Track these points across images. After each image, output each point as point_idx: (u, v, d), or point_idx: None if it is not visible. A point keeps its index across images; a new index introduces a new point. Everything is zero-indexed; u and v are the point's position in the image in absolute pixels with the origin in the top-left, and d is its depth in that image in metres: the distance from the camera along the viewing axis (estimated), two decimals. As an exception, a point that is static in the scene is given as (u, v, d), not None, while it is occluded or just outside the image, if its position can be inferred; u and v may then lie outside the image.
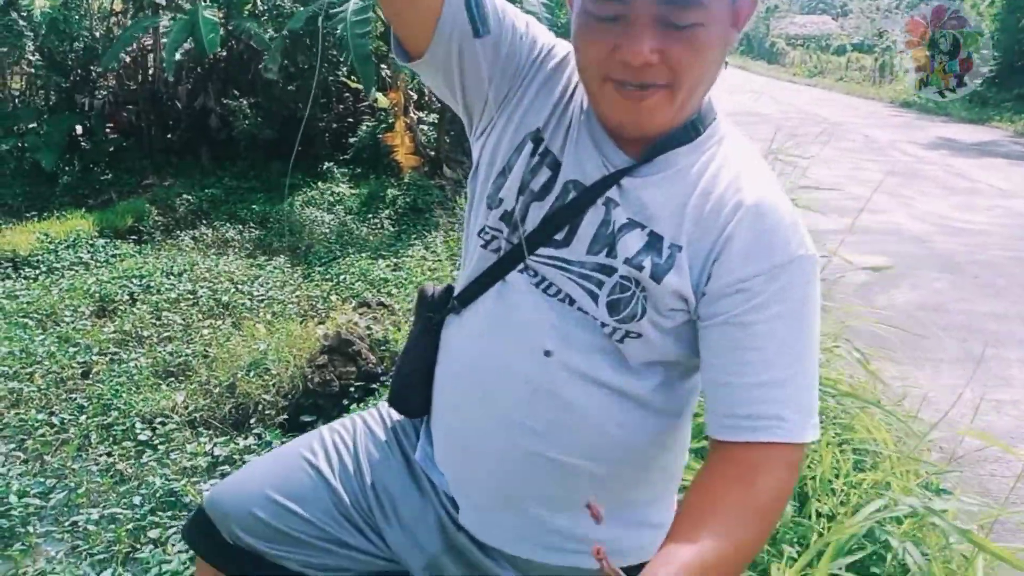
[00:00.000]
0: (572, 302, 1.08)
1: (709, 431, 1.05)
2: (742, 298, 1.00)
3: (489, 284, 1.13)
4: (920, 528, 1.88)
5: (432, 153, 9.65)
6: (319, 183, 9.21)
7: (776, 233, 1.02)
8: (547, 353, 1.07)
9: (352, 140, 9.94)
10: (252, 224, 7.99)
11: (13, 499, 3.49)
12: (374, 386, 4.53)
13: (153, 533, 3.22)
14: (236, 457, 3.88)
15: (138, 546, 3.17)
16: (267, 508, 1.25)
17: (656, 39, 0.97)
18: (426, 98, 10.34)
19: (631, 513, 1.19)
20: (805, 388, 1.00)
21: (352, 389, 4.56)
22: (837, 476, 2.01)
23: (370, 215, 8.38)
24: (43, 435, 4.06)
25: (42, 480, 3.70)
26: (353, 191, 9.03)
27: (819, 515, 1.94)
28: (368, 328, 5.17)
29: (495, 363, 1.13)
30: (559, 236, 1.09)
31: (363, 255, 7.16)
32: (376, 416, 1.39)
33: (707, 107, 1.10)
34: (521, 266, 1.12)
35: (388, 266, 6.85)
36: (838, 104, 21.83)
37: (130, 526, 3.28)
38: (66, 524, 3.37)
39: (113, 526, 3.31)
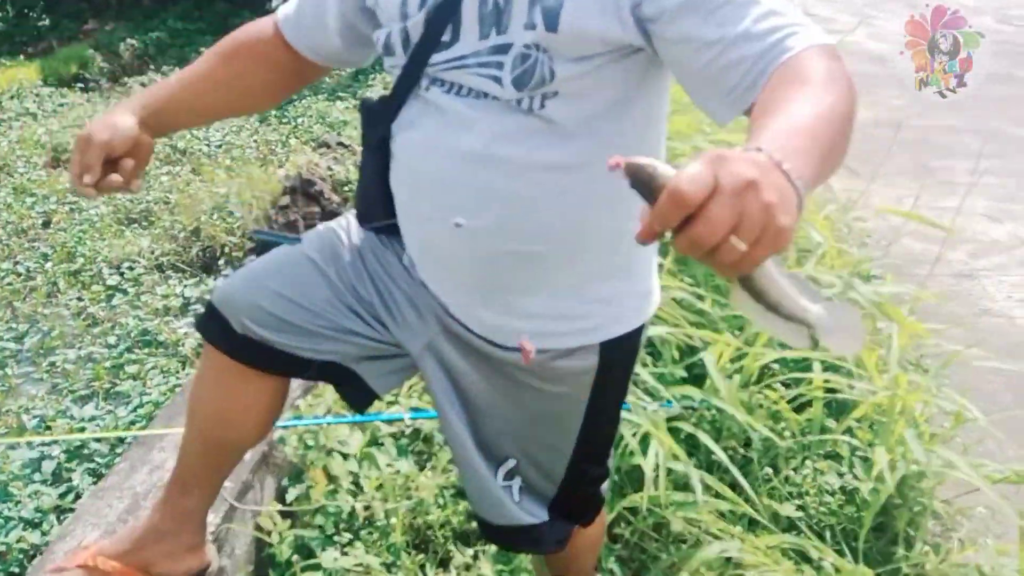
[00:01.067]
0: (483, 95, 1.08)
1: (727, 117, 0.95)
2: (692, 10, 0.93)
3: (411, 102, 1.18)
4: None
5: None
6: (269, 22, 8.77)
7: None
8: (478, 152, 1.09)
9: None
10: (203, 67, 7.68)
11: (-12, 344, 3.54)
12: (338, 225, 4.54)
13: (131, 369, 3.31)
14: (207, 298, 3.92)
15: (117, 382, 3.25)
16: (274, 302, 1.30)
17: None
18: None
19: (608, 286, 1.21)
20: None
21: (316, 229, 4.58)
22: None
23: (325, 54, 8.06)
24: (10, 283, 4.07)
25: (14, 326, 3.75)
26: (306, 29, 8.63)
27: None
28: (329, 169, 5.13)
29: (434, 174, 1.15)
30: (446, 37, 1.09)
31: (320, 96, 6.98)
32: None
33: None
34: (426, 82, 1.15)
35: (347, 107, 6.69)
36: None
37: (108, 364, 3.35)
38: (44, 365, 3.44)
39: (91, 365, 3.38)
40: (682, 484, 1.75)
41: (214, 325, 1.35)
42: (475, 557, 1.72)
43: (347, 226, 1.39)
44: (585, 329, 1.22)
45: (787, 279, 0.75)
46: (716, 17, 0.92)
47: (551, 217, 1.12)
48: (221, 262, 4.44)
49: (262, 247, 4.54)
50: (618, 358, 1.27)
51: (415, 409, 2.02)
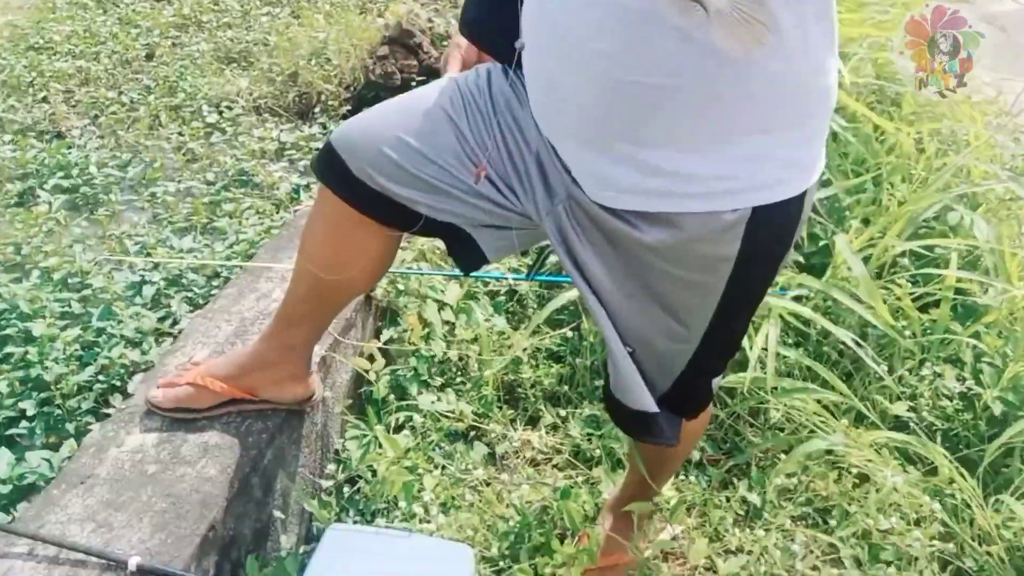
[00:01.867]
0: None
1: None
2: None
3: None
4: (996, 211, 1.84)
5: None
6: None
7: None
8: None
9: None
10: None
11: (93, 169, 3.65)
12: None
13: (228, 207, 3.36)
14: (303, 144, 3.93)
15: (214, 218, 3.31)
16: (399, 149, 1.21)
17: None
18: None
19: (752, 143, 1.02)
20: None
21: (414, 83, 4.47)
22: (916, 161, 1.94)
23: (432, -99, 7.71)
24: (115, 112, 4.14)
25: (118, 154, 3.84)
26: None
27: (892, 197, 1.90)
28: (430, 21, 4.95)
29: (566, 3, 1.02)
30: None
31: (424, -55, 6.70)
32: (500, 70, 1.28)
33: None
34: None
35: (451, -43, 6.42)
36: None
37: (206, 200, 3.41)
38: (145, 195, 3.52)
39: (190, 199, 3.45)
40: (785, 373, 1.68)
41: (331, 167, 1.28)
42: (564, 420, 1.71)
43: (485, 78, 1.26)
44: (719, 192, 1.03)
45: None
46: None
47: (677, 43, 0.95)
48: (317, 110, 4.40)
49: (359, 103, 4.49)
50: (763, 246, 1.09)
51: (514, 270, 1.98)
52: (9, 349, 2.47)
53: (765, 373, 1.54)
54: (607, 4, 0.95)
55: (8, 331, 2.56)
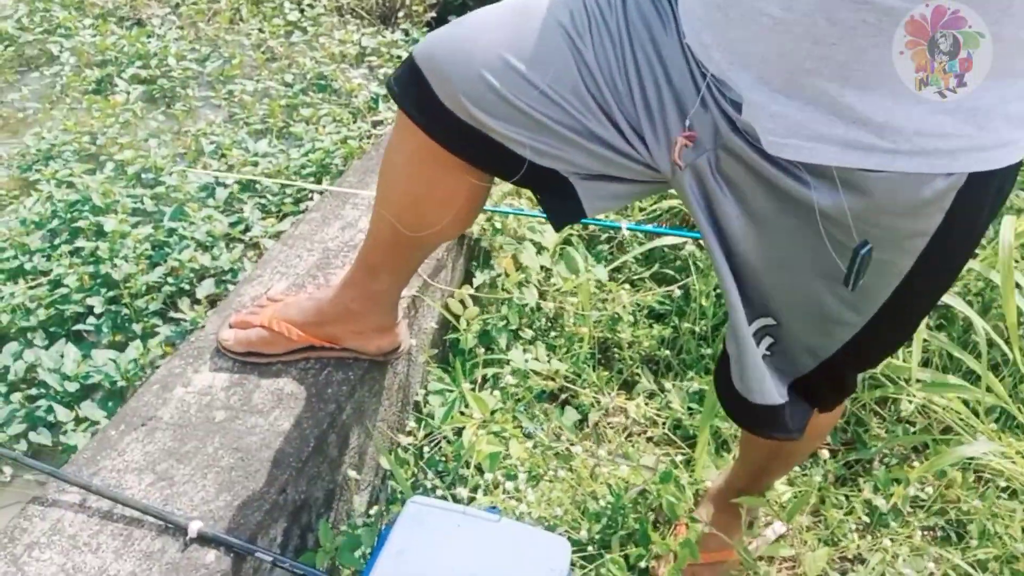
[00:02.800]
0: None
1: None
2: None
3: None
4: None
5: None
6: None
7: None
8: None
9: None
10: None
11: (172, 61, 3.57)
12: None
13: (306, 112, 3.25)
14: (383, 50, 3.77)
15: (291, 123, 3.20)
16: (502, 74, 0.97)
17: None
18: None
19: (975, 93, 0.80)
20: None
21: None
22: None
23: None
24: (196, 3, 4.02)
25: (197, 47, 3.74)
26: None
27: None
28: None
29: None
30: None
31: None
32: None
33: None
34: None
35: None
36: None
37: (283, 102, 3.30)
38: (222, 92, 3.43)
39: (267, 100, 3.35)
40: (922, 362, 1.47)
41: (414, 91, 1.04)
42: (663, 389, 1.54)
43: None
44: (934, 151, 0.82)
45: None
46: None
47: None
48: (401, 14, 4.20)
49: (444, 8, 4.25)
50: (971, 214, 0.87)
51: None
52: (80, 243, 2.45)
53: (904, 360, 1.35)
54: None
55: (80, 223, 2.53)
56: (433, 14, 4.21)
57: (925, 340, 1.46)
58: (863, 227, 0.88)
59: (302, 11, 4.03)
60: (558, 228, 1.15)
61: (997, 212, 0.92)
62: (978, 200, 0.86)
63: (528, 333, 1.53)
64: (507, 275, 1.54)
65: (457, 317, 1.44)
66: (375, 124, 3.21)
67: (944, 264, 0.93)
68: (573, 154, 1.01)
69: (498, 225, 1.64)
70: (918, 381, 1.37)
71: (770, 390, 1.05)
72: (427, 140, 1.06)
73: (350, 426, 1.30)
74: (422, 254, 1.29)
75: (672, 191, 1.11)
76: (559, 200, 1.06)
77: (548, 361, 1.47)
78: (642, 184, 1.06)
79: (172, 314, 2.27)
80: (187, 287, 2.36)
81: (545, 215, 1.13)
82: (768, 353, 1.04)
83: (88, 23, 3.87)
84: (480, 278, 1.55)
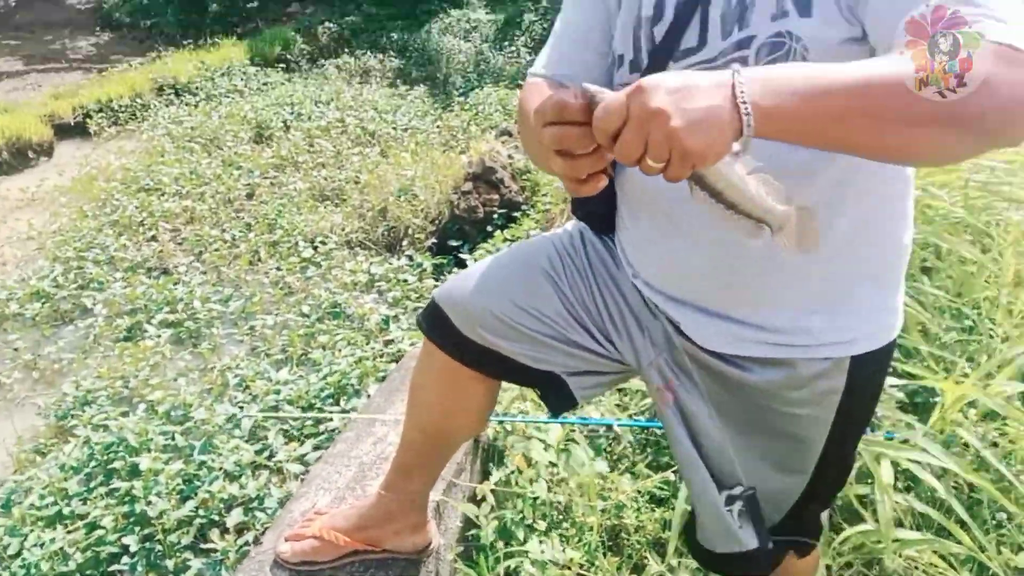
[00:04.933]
0: None
1: None
2: None
3: None
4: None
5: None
6: (455, 10, 9.03)
7: None
8: None
9: (488, -37, 9.61)
10: (392, 53, 8.01)
11: (197, 304, 3.85)
12: (516, 214, 4.61)
13: (323, 339, 3.47)
14: (391, 275, 4.08)
15: (309, 350, 3.43)
16: (507, 309, 1.28)
17: None
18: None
19: (857, 298, 1.11)
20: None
21: (495, 216, 4.65)
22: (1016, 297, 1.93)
23: (506, 43, 8.21)
24: (217, 249, 4.40)
25: (220, 289, 4.05)
26: (489, 17, 8.82)
27: (992, 336, 1.89)
28: (510, 157, 5.19)
29: (675, 188, 1.10)
30: (691, 42, 1.03)
31: (501, 84, 7.10)
32: (591, 231, 1.38)
33: None
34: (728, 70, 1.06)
35: (527, 96, 6.77)
36: None
37: (301, 332, 3.54)
38: (245, 328, 3.69)
39: (286, 331, 3.59)
40: (896, 521, 1.63)
41: (438, 325, 1.35)
42: (671, 569, 1.68)
43: (579, 238, 1.36)
44: (830, 343, 1.12)
45: (748, 180, 0.81)
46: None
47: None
48: (404, 242, 4.60)
49: (444, 235, 4.67)
50: (866, 378, 1.16)
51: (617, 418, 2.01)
52: (115, 483, 2.55)
53: (879, 522, 1.51)
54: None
55: (115, 464, 2.65)
56: (434, 240, 4.63)
57: (897, 502, 1.63)
58: (792, 393, 1.14)
59: (315, 248, 4.41)
60: (556, 414, 1.44)
61: (889, 366, 1.20)
62: (870, 364, 1.13)
63: (542, 524, 1.69)
64: (519, 471, 1.73)
65: (476, 515, 1.61)
66: (387, 343, 3.45)
67: (857, 410, 1.18)
68: (562, 359, 1.30)
69: (509, 428, 1.86)
70: (896, 541, 1.52)
71: (742, 538, 1.25)
72: (449, 360, 1.35)
73: (391, 622, 1.44)
74: (449, 452, 1.52)
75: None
76: (555, 393, 1.34)
77: (563, 550, 1.63)
78: (616, 375, 1.34)
79: (202, 545, 2.35)
80: (217, 518, 2.42)
81: (545, 406, 1.40)
82: (743, 509, 1.25)
83: (119, 276, 4.22)
84: (496, 475, 1.74)
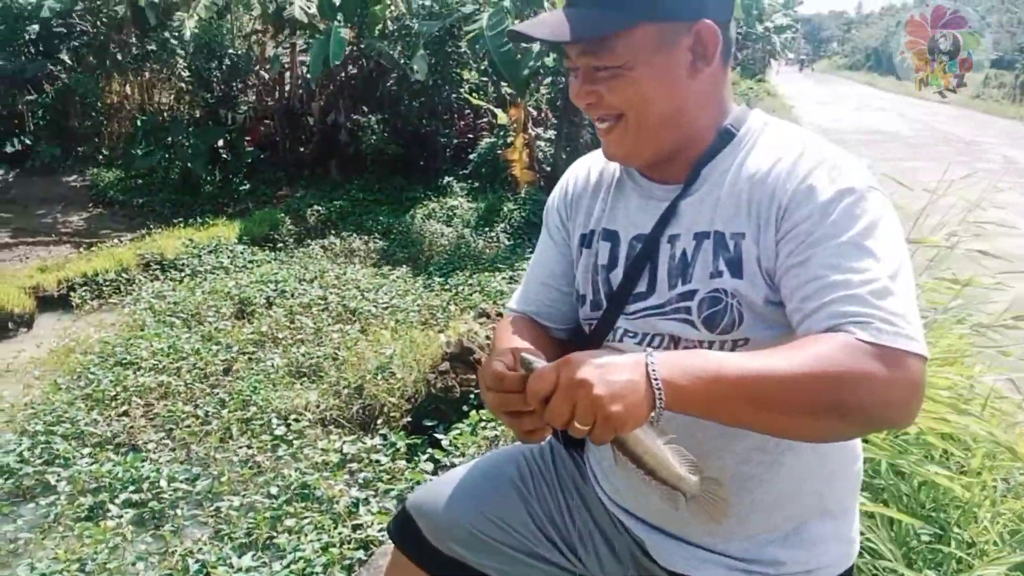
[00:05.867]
0: (677, 341, 1.13)
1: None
2: (800, 238, 1.02)
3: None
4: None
5: (548, 169, 9.79)
6: (439, 197, 9.49)
7: (816, 176, 1.03)
8: None
9: (472, 156, 10.19)
10: (377, 235, 8.32)
11: (164, 483, 3.75)
12: (493, 395, 4.62)
13: (289, 522, 3.38)
14: (363, 456, 4.02)
15: (275, 534, 3.33)
16: (475, 520, 1.34)
17: (587, 82, 1.12)
18: (543, 114, 10.49)
19: (811, 530, 1.18)
20: (889, 295, 0.94)
21: (472, 396, 4.67)
22: (980, 506, 1.94)
23: (487, 228, 8.57)
24: (189, 426, 4.35)
25: (188, 467, 3.96)
26: (471, 205, 9.25)
27: (960, 542, 1.88)
28: (487, 337, 5.28)
29: None
30: (642, 288, 1.16)
31: (480, 267, 7.35)
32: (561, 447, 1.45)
33: (738, 113, 1.17)
34: (619, 333, 1.19)
35: (504, 279, 6.99)
36: (973, 122, 20.70)
37: (268, 514, 3.44)
38: (210, 509, 3.58)
39: (252, 514, 3.49)
40: None
41: (407, 534, 1.39)
42: None
43: (550, 453, 1.42)
44: (789, 573, 1.18)
45: (664, 449, 0.94)
46: (806, 289, 1.00)
47: (759, 456, 1.14)
48: (379, 421, 4.57)
49: (419, 415, 4.65)
50: None
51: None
52: None
53: None
54: (680, 424, 1.10)
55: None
56: (409, 419, 4.60)
57: None
58: None
59: (288, 425, 4.36)
60: None
61: None
62: None
63: None
64: None
65: None
66: (355, 528, 3.35)
67: None
68: (529, 572, 1.34)
69: None
70: None
71: None
72: (418, 572, 1.37)
73: None
74: None
75: None
76: None
77: None
78: None
79: None
80: None
81: None
82: None
83: (86, 452, 4.11)
84: None
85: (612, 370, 0.89)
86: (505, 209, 8.91)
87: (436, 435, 4.29)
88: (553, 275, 1.34)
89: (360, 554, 3.07)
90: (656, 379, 0.89)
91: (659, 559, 1.23)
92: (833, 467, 1.18)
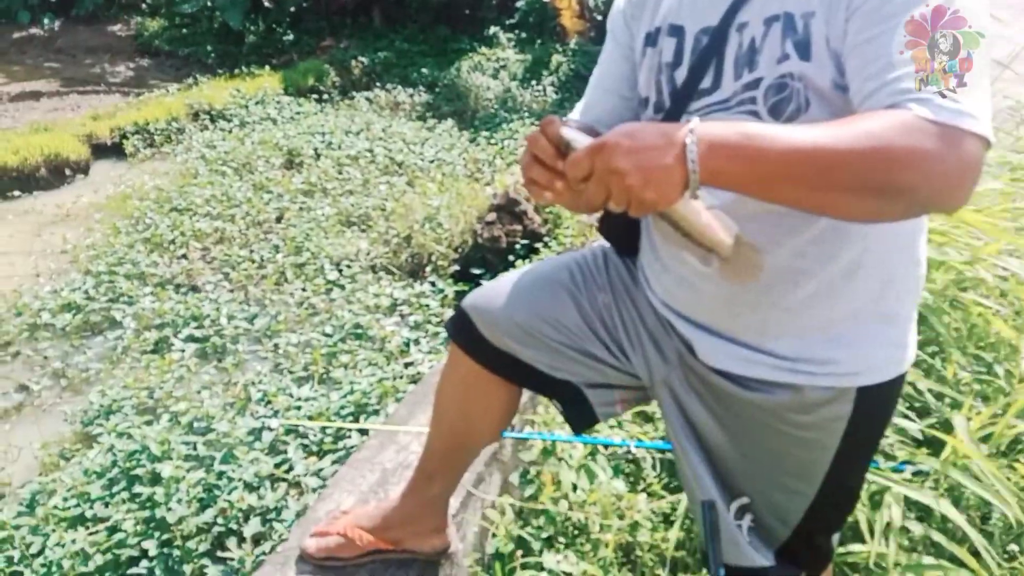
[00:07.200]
0: None
1: None
2: (870, 14, 0.96)
3: None
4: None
5: (599, 17, 9.38)
6: (485, 48, 9.23)
7: None
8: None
9: (519, 4, 9.81)
10: (422, 87, 8.19)
11: (223, 321, 3.93)
12: (538, 245, 4.67)
13: (344, 358, 3.54)
14: (413, 300, 4.15)
15: (331, 368, 3.49)
16: (528, 318, 1.37)
17: None
18: (596, -40, 9.98)
19: (866, 331, 1.15)
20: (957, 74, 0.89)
21: (517, 246, 4.72)
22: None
23: (534, 81, 8.36)
24: (245, 269, 4.49)
25: (246, 307, 4.13)
26: (518, 57, 8.99)
27: (1011, 374, 1.91)
28: (534, 190, 5.26)
29: None
30: (707, 84, 1.12)
31: (527, 121, 7.23)
32: (614, 251, 1.46)
33: None
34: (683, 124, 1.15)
35: (552, 133, 6.87)
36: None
37: (324, 351, 3.60)
38: (269, 346, 3.76)
39: (309, 350, 3.65)
40: (909, 548, 1.65)
41: (464, 331, 1.43)
42: (683, 587, 1.71)
43: (602, 257, 1.44)
44: (836, 373, 1.17)
45: (702, 215, 0.95)
46: (872, 65, 0.95)
47: (814, 251, 1.11)
48: (428, 269, 4.66)
49: (466, 263, 4.74)
50: (873, 409, 1.21)
51: (638, 439, 2.05)
52: (137, 489, 2.61)
53: (888, 548, 1.52)
54: (744, 215, 1.09)
55: (137, 471, 2.71)
56: (456, 267, 4.70)
57: (908, 529, 1.65)
58: (798, 416, 1.18)
59: (340, 271, 4.49)
60: (578, 431, 1.47)
61: (897, 400, 1.24)
62: (877, 395, 1.18)
63: (560, 540, 1.73)
64: (543, 488, 1.77)
65: (496, 524, 1.65)
66: (407, 365, 3.51)
67: (863, 439, 1.22)
68: (577, 368, 1.38)
69: (548, 448, 1.90)
70: (897, 565, 1.54)
71: (749, 554, 1.29)
72: (473, 365, 1.43)
73: (408, 620, 1.48)
74: (469, 458, 1.58)
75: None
76: (575, 408, 1.42)
77: (577, 563, 1.65)
78: (630, 390, 1.40)
79: (219, 553, 2.38)
80: (235, 527, 2.48)
81: (567, 422, 1.46)
82: (751, 526, 1.29)
83: (148, 291, 4.31)
84: (526, 490, 1.78)
85: (646, 155, 0.87)
86: (553, 61, 8.65)
87: (482, 282, 4.38)
88: (616, 80, 1.31)
89: (412, 388, 3.21)
90: (692, 160, 0.87)
91: (705, 359, 1.24)
92: (892, 269, 1.16)
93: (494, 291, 1.43)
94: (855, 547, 1.64)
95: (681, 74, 1.17)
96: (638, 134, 0.89)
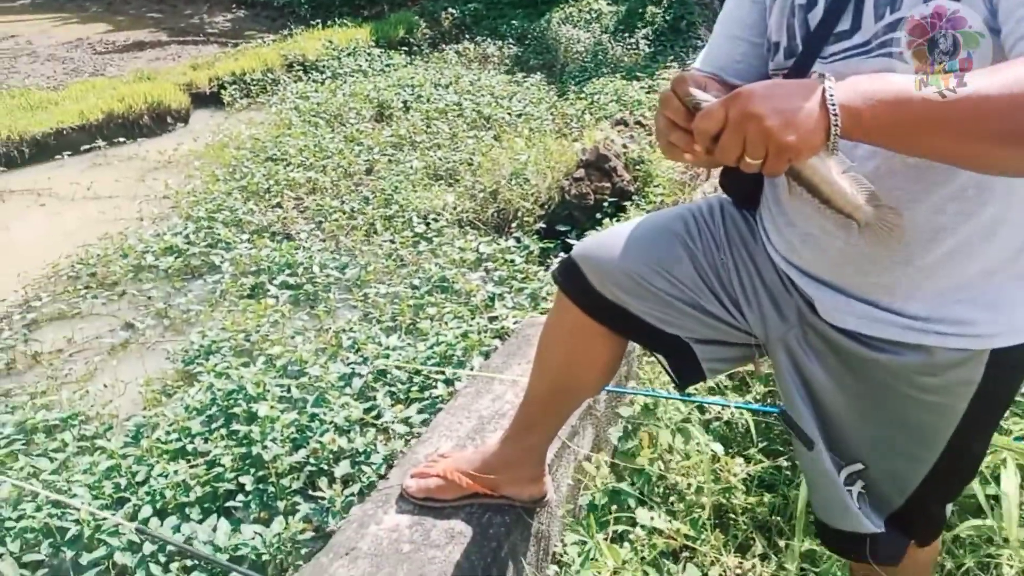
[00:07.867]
0: None
1: None
2: None
3: None
4: None
5: (697, -31, 9.09)
6: None
7: None
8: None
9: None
10: (511, 40, 8.11)
11: (316, 269, 4.02)
12: (627, 203, 4.60)
13: (431, 311, 3.57)
14: (499, 256, 4.14)
15: (418, 320, 3.53)
16: (639, 269, 1.33)
17: None
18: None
19: (1003, 292, 1.09)
20: None
21: (605, 204, 4.66)
22: None
23: (627, 34, 8.17)
24: (336, 219, 4.57)
25: (337, 256, 4.21)
26: (611, 7, 8.79)
27: None
28: (624, 146, 5.18)
29: None
30: (845, 26, 1.05)
31: (618, 75, 7.08)
32: (731, 203, 1.41)
33: None
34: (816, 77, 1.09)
35: (643, 88, 6.73)
36: None
37: (411, 303, 3.64)
38: (359, 295, 3.83)
39: (397, 301, 3.70)
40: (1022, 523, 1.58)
41: (573, 280, 1.40)
42: (776, 551, 1.68)
43: (719, 210, 1.38)
44: (971, 335, 1.10)
45: (840, 178, 0.90)
46: None
47: (954, 207, 1.04)
48: (513, 225, 4.65)
49: (552, 220, 4.70)
50: (1005, 373, 1.14)
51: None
52: (235, 427, 2.71)
53: (1001, 521, 1.46)
54: (879, 170, 1.04)
55: (235, 409, 2.81)
56: (543, 224, 4.67)
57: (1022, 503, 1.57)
58: (924, 379, 1.13)
59: (427, 224, 4.53)
60: (682, 388, 1.43)
61: None
62: (1009, 358, 1.11)
63: (655, 498, 1.72)
64: (643, 447, 1.76)
65: (593, 477, 1.65)
66: (491, 319, 3.51)
67: (991, 405, 1.16)
68: (689, 323, 1.33)
69: (650, 405, 1.89)
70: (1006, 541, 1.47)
71: (858, 521, 1.25)
72: (580, 314, 1.39)
73: (506, 562, 1.50)
74: (569, 408, 1.56)
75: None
76: (682, 363, 1.37)
77: (670, 522, 1.64)
78: (743, 348, 1.35)
79: (311, 492, 2.46)
80: (326, 467, 2.56)
81: (672, 377, 1.42)
82: (862, 492, 1.25)
83: (245, 237, 4.44)
84: (614, 445, 1.78)
85: (784, 99, 0.84)
86: (648, 12, 8.42)
87: (568, 240, 4.35)
88: (743, 26, 1.24)
89: (497, 343, 3.23)
90: (833, 104, 0.83)
91: (828, 316, 1.19)
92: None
93: (605, 241, 1.39)
94: (966, 522, 1.58)
95: (816, 15, 1.09)
96: (773, 85, 0.86)
